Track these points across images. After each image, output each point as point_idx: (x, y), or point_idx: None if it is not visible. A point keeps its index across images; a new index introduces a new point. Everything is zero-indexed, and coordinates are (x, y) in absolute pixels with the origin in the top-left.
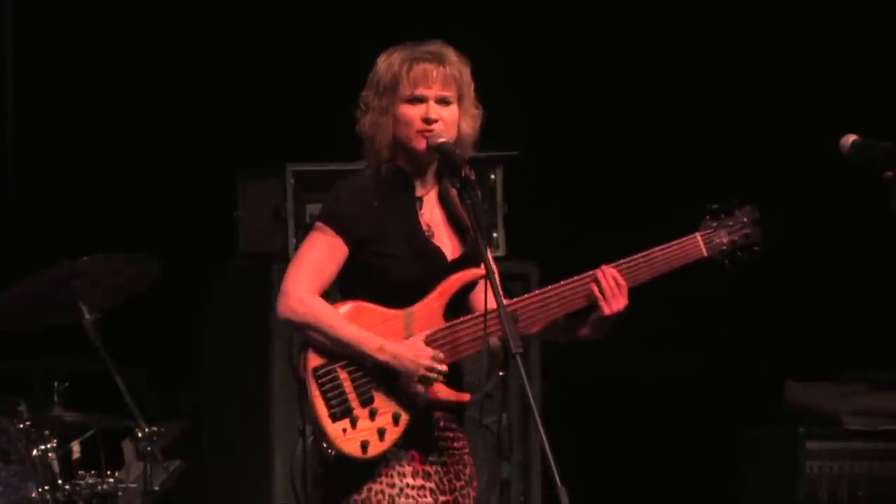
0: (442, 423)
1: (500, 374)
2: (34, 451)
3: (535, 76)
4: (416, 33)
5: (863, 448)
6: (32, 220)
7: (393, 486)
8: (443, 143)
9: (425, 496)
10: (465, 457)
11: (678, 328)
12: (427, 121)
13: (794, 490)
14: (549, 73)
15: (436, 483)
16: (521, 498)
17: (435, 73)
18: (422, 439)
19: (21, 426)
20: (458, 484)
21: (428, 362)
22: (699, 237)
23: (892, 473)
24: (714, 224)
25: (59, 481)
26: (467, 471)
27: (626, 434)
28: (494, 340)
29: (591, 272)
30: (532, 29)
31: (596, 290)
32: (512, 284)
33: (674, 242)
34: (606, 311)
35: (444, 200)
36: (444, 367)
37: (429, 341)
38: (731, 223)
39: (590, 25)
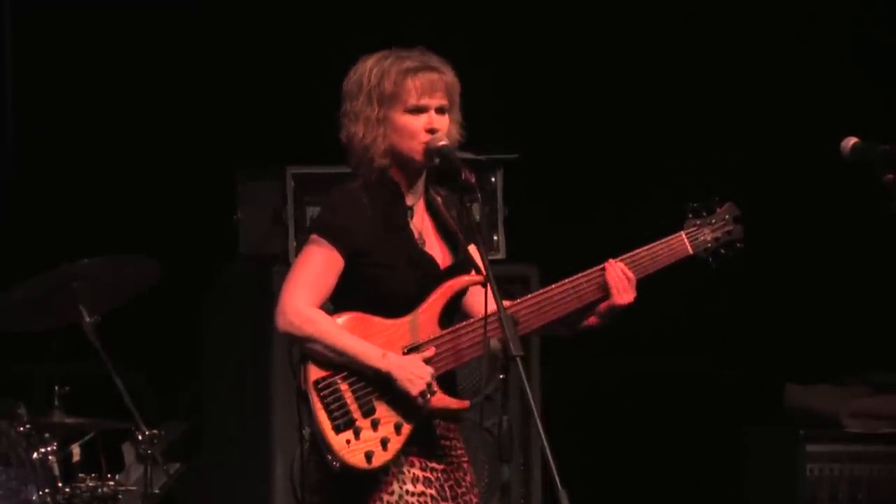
0: (439, 431)
1: (501, 377)
2: (34, 454)
3: (535, 79)
4: (415, 35)
5: (863, 451)
6: (32, 223)
7: (392, 493)
8: (444, 146)
9: (426, 502)
10: (465, 464)
11: (679, 330)
12: (431, 131)
13: (795, 492)
14: (549, 77)
15: (436, 489)
16: (521, 501)
17: (439, 84)
18: (422, 446)
19: (21, 429)
20: (459, 490)
21: (428, 378)
22: (684, 235)
23: (892, 476)
24: (697, 222)
25: (60, 484)
26: (468, 478)
27: (627, 436)
28: (495, 343)
29: (598, 266)
30: (534, 32)
31: (610, 278)
32: (512, 287)
33: (659, 242)
34: (619, 301)
35: (431, 209)
36: (434, 386)
37: (426, 358)
38: (713, 221)
39: (592, 27)
